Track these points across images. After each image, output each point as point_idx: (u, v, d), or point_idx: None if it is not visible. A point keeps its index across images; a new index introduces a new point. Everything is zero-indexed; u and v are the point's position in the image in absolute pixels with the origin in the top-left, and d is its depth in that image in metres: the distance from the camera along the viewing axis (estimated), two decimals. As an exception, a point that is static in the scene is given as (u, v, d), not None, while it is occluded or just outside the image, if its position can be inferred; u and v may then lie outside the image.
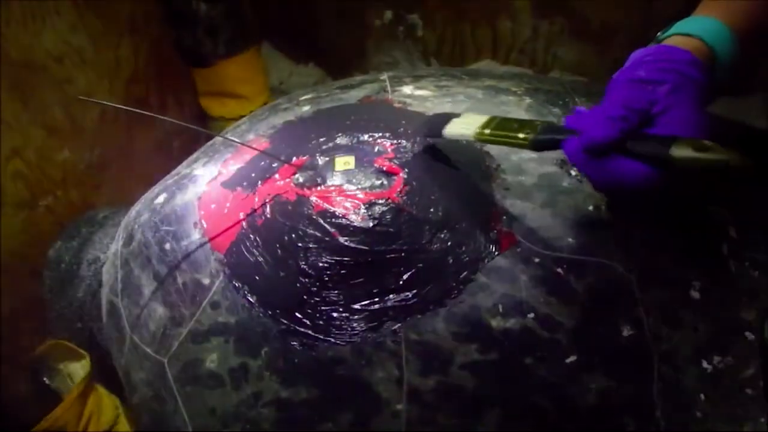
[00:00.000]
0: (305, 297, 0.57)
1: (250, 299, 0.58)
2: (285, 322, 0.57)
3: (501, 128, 0.53)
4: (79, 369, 0.75)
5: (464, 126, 0.57)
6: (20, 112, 0.82)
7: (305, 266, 0.57)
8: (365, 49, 1.33)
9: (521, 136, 0.50)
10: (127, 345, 0.65)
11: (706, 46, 0.51)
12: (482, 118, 0.56)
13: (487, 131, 0.53)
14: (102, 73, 0.96)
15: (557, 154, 0.61)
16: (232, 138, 0.70)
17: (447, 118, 0.59)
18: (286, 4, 1.37)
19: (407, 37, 1.25)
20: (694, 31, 0.52)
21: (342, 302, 0.56)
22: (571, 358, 0.56)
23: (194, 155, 0.75)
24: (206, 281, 0.60)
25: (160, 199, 0.67)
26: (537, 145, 0.49)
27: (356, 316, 0.56)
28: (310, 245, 0.58)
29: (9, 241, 0.83)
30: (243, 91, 1.29)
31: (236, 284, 0.59)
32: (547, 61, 1.13)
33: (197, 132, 1.28)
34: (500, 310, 0.56)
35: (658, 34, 0.55)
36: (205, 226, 0.63)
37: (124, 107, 0.57)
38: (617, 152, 0.45)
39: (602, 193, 0.57)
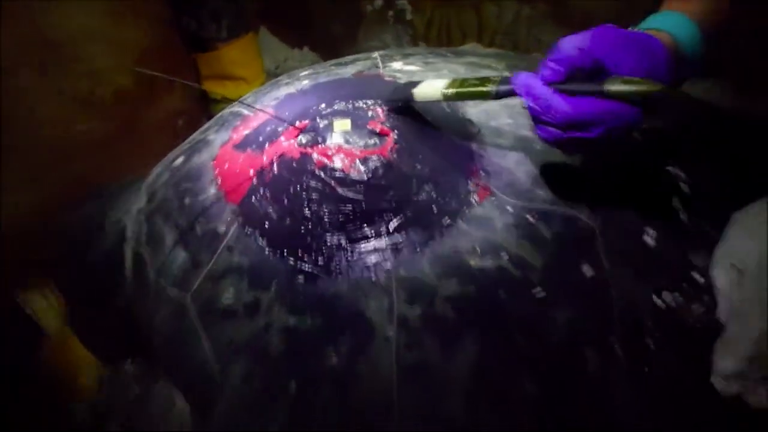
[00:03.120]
0: (309, 240, 0.63)
1: (261, 243, 0.65)
2: (291, 261, 0.63)
3: (464, 86, 0.60)
4: (49, 314, 0.78)
5: (430, 88, 0.63)
6: (48, 86, 0.88)
7: (308, 214, 0.64)
8: (357, 34, 1.38)
9: (485, 89, 0.57)
10: (152, 289, 0.71)
11: (674, 40, 0.58)
12: (444, 81, 0.62)
13: (452, 90, 0.60)
14: (115, 53, 1.02)
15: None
16: (245, 104, 0.77)
17: (413, 84, 0.66)
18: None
19: (397, 21, 1.30)
20: (664, 27, 0.58)
21: (341, 244, 0.63)
22: (540, 294, 0.61)
23: (206, 125, 0.82)
24: (222, 229, 0.67)
25: (179, 161, 0.74)
26: (500, 93, 0.56)
27: (353, 256, 0.62)
28: (313, 196, 0.64)
29: (37, 201, 0.90)
30: (242, 74, 1.35)
31: (248, 231, 0.65)
32: (530, 45, 1.17)
33: (198, 112, 1.36)
34: (478, 251, 0.62)
35: (630, 27, 0.61)
36: (219, 182, 0.69)
37: (179, 79, 0.65)
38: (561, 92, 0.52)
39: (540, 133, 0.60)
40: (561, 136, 0.54)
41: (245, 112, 0.76)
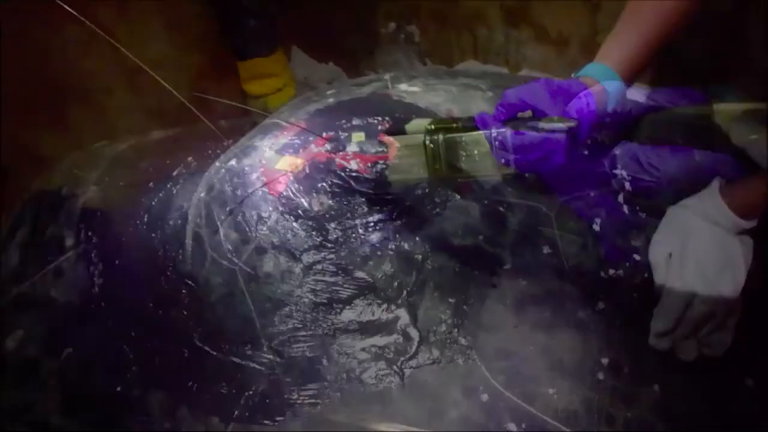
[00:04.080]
0: (333, 224, 0.81)
1: (295, 225, 0.82)
2: (318, 239, 0.81)
3: (442, 123, 0.79)
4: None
5: (418, 124, 0.82)
6: (132, 102, 1.10)
7: (332, 203, 0.82)
8: (373, 52, 1.58)
9: (455, 125, 0.76)
10: (208, 260, 0.87)
11: (601, 85, 0.76)
12: (427, 120, 0.81)
13: (433, 126, 0.79)
14: (181, 73, 1.25)
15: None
16: (282, 120, 0.97)
17: (406, 120, 0.84)
18: (312, 17, 1.64)
19: (407, 42, 1.50)
20: (593, 75, 0.77)
21: (356, 226, 0.80)
22: (507, 266, 0.77)
23: (251, 132, 1.00)
24: (265, 214, 0.84)
25: (233, 161, 0.93)
26: (465, 128, 0.76)
27: (365, 235, 0.80)
28: (335, 190, 0.82)
29: (123, 190, 1.10)
30: (274, 70, 1.58)
31: (286, 216, 0.83)
32: (518, 61, 1.33)
33: (239, 114, 1.56)
34: (460, 233, 0.78)
35: (572, 74, 0.79)
36: (264, 179, 0.87)
37: (248, 107, 0.85)
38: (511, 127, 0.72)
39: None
40: (509, 159, 0.72)
41: (283, 123, 0.95)
